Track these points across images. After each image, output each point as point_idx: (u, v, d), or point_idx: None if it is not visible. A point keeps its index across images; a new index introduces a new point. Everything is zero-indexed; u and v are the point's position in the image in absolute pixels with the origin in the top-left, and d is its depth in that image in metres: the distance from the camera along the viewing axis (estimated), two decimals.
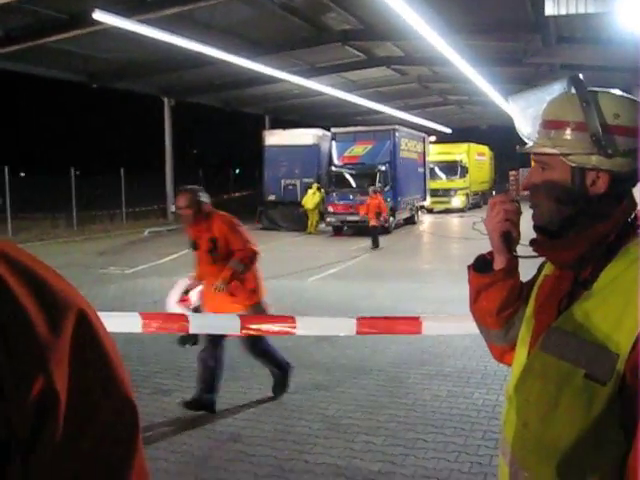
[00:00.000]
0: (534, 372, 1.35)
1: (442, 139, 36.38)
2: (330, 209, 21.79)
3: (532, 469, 1.32)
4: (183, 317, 4.63)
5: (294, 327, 3.71)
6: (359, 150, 23.24)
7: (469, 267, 1.60)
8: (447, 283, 11.08)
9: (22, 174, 24.74)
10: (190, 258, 5.59)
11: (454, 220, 27.15)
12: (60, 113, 46.44)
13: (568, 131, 1.35)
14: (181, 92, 25.57)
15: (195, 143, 51.61)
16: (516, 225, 1.49)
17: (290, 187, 24.08)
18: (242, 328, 3.94)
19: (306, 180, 23.45)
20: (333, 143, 23.74)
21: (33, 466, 0.65)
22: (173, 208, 26.50)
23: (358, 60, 21.69)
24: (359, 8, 15.86)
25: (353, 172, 22.12)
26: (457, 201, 31.31)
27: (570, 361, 1.26)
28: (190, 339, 5.22)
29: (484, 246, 1.57)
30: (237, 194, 33.88)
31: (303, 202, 22.69)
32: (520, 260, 1.54)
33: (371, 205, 18.38)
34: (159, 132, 26.76)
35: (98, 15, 12.86)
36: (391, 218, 22.05)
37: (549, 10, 11.60)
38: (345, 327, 3.77)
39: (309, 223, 22.73)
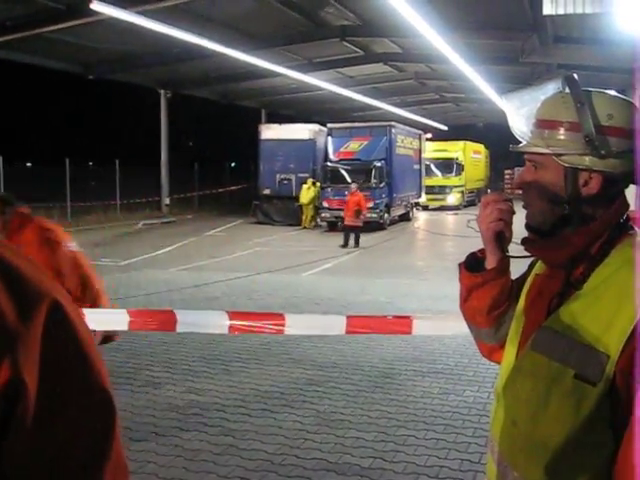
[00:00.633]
0: (524, 371, 1.35)
1: (438, 136, 36.39)
2: (325, 204, 21.78)
3: (521, 468, 1.32)
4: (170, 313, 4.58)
5: (283, 325, 3.69)
6: (355, 146, 23.21)
7: (460, 265, 1.59)
8: (441, 280, 11.12)
9: (16, 164, 24.59)
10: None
11: (449, 217, 27.24)
12: (55, 104, 46.19)
13: (562, 131, 1.34)
14: (177, 84, 25.50)
15: (191, 136, 51.44)
16: (509, 225, 1.49)
17: (285, 182, 24.05)
18: (230, 326, 3.91)
19: (301, 175, 23.42)
20: (329, 138, 23.70)
21: (6, 452, 0.65)
22: (168, 200, 26.53)
23: (355, 56, 21.69)
24: (357, 4, 15.89)
25: (348, 168, 22.11)
26: (452, 198, 31.38)
27: (560, 361, 1.26)
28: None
29: (478, 244, 1.56)
30: (232, 187, 33.82)
31: (300, 197, 22.69)
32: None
33: (350, 202, 17.54)
34: (155, 124, 26.69)
35: (96, 6, 12.81)
36: (386, 215, 22.12)
37: (547, 10, 11.60)
38: (335, 326, 3.75)
39: (304, 218, 22.73)
